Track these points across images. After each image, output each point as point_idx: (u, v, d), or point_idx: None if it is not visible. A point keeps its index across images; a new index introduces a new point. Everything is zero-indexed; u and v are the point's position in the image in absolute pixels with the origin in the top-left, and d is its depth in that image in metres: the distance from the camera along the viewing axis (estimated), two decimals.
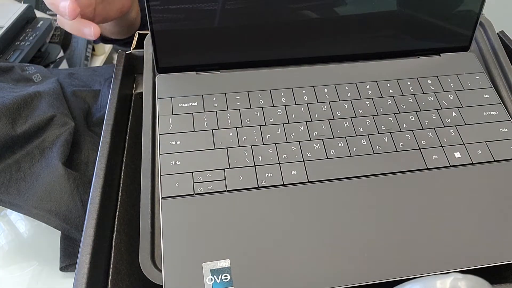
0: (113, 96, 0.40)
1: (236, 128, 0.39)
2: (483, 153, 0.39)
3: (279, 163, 0.37)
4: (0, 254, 0.46)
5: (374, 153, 0.38)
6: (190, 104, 0.40)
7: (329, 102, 0.41)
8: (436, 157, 0.39)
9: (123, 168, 0.39)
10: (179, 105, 0.40)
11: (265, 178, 0.36)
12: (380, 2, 0.41)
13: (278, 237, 0.34)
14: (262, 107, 0.40)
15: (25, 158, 0.43)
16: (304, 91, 0.42)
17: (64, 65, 0.85)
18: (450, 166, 0.38)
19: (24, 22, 0.74)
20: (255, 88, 0.41)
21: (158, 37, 0.40)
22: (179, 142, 0.38)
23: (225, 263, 0.33)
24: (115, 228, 0.35)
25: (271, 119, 0.40)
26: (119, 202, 0.37)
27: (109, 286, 0.33)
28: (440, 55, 0.45)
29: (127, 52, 0.44)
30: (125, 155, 0.40)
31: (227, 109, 0.40)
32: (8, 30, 0.68)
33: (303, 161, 0.38)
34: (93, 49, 0.97)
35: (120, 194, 0.37)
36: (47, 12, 0.87)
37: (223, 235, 0.34)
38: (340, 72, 0.43)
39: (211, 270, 0.32)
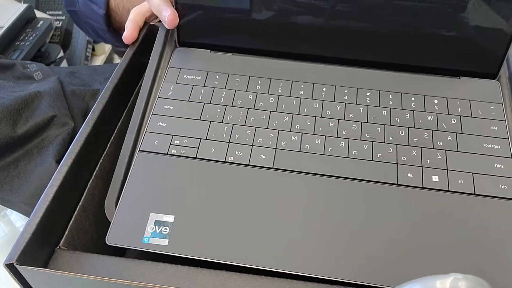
0: (125, 59, 0.44)
1: (226, 106, 0.42)
2: (464, 183, 0.37)
3: (252, 145, 0.39)
4: (0, 254, 0.48)
5: (348, 157, 0.39)
6: (194, 77, 0.44)
7: (323, 100, 0.42)
8: (411, 176, 0.38)
9: (119, 124, 0.44)
10: (185, 76, 0.44)
11: (234, 155, 0.39)
12: (407, 15, 0.41)
13: (225, 211, 0.36)
14: (257, 93, 0.43)
15: (23, 157, 0.45)
16: (302, 86, 0.43)
17: (64, 65, 0.85)
18: (423, 187, 0.37)
19: (24, 22, 0.74)
20: (257, 74, 0.44)
21: (181, 13, 0.44)
22: (171, 108, 0.42)
23: (169, 218, 0.36)
24: (94, 174, 0.40)
25: (261, 104, 0.42)
26: (105, 152, 0.41)
27: (72, 220, 0.37)
28: (459, 78, 0.43)
29: (150, 24, 0.49)
30: (124, 114, 0.45)
31: (225, 88, 0.43)
32: (8, 30, 0.69)
33: (275, 148, 0.39)
34: (93, 49, 0.98)
35: (108, 145, 0.42)
36: (47, 12, 0.89)
37: (178, 195, 0.37)
38: (345, 75, 0.44)
39: (155, 220, 0.36)
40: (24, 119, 0.47)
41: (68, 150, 0.37)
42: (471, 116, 0.41)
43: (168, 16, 0.43)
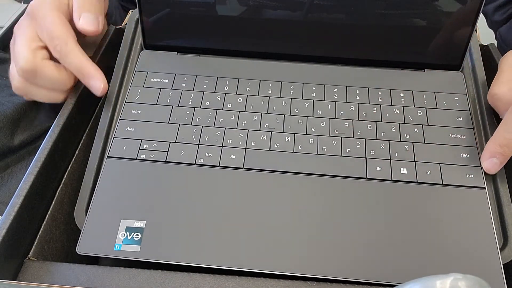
0: None
1: (195, 108, 0.42)
2: (432, 174, 0.38)
3: (222, 146, 0.39)
4: None
5: (317, 154, 0.39)
6: (161, 80, 0.43)
7: (291, 98, 0.42)
8: (380, 169, 0.38)
9: (87, 130, 0.43)
10: (152, 79, 0.43)
11: (204, 157, 0.39)
12: (371, 10, 0.41)
13: (196, 213, 0.36)
14: (225, 93, 0.42)
15: (14, 162, 0.45)
16: (270, 85, 0.43)
17: None
18: (392, 180, 0.38)
19: None
20: (225, 75, 0.44)
21: (146, 15, 0.44)
22: (139, 112, 0.41)
23: (140, 224, 0.36)
24: (63, 182, 0.39)
25: (229, 105, 0.42)
26: (73, 159, 0.41)
27: (41, 229, 0.36)
28: (424, 71, 0.44)
29: (116, 27, 0.48)
30: (92, 119, 0.44)
31: (193, 90, 0.43)
32: (8, 30, 0.67)
33: (245, 148, 0.39)
34: None
35: (77, 152, 0.41)
36: None
37: (149, 200, 0.37)
38: (312, 72, 0.44)
39: (126, 227, 0.35)
40: (22, 128, 0.46)
41: (34, 159, 0.37)
42: (437, 108, 0.41)
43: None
